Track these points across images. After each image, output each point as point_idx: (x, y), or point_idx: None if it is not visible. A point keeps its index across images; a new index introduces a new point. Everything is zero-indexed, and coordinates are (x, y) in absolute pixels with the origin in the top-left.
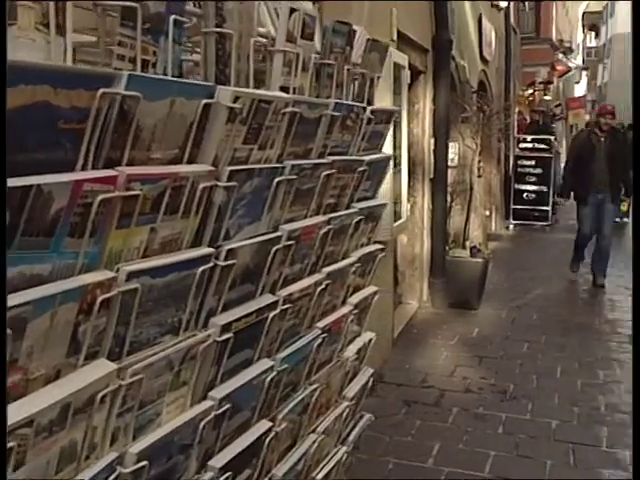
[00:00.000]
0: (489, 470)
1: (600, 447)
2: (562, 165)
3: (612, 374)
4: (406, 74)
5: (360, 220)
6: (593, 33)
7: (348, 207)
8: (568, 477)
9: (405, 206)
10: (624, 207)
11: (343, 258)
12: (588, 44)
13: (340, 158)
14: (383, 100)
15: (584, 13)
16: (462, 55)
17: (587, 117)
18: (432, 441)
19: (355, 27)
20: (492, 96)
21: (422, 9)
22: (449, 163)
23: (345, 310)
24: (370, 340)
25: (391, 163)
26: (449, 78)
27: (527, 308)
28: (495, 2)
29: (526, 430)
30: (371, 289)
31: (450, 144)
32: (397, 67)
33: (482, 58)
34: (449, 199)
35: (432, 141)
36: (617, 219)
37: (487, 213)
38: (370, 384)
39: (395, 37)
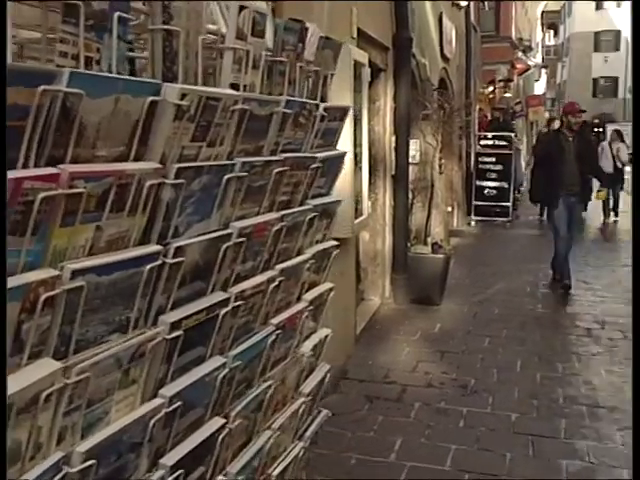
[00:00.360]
0: (450, 463)
1: (559, 438)
2: (522, 161)
3: (571, 367)
4: (366, 72)
5: (314, 217)
6: (552, 32)
7: (302, 204)
8: (527, 468)
9: (366, 203)
10: (602, 195)
11: (297, 255)
12: (547, 43)
13: (292, 155)
14: (343, 98)
15: (543, 12)
16: (423, 53)
17: (547, 114)
18: (394, 436)
19: (308, 25)
20: (453, 93)
21: (383, 7)
22: (410, 160)
23: (300, 306)
24: (326, 336)
25: (346, 160)
26: (410, 76)
27: (488, 303)
28: (455, 1)
29: (487, 423)
30: (326, 285)
31: (411, 141)
32: (357, 65)
33: (443, 56)
34: (411, 196)
35: (393, 138)
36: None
37: (449, 209)
38: (327, 380)
39: (355, 35)
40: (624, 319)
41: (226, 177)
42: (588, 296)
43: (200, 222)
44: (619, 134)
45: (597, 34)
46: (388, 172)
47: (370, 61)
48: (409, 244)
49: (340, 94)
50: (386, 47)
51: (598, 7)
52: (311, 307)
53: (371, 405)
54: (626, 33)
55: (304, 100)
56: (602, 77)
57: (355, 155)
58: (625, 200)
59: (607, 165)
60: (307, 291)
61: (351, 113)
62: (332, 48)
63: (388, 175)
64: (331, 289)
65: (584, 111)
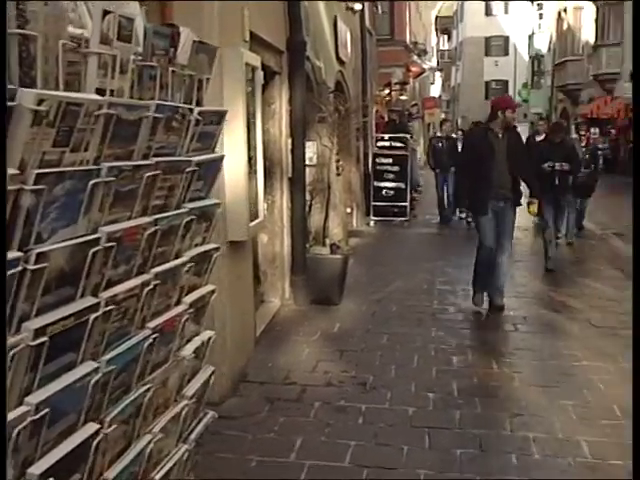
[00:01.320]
0: (349, 460)
1: (453, 429)
2: (418, 162)
3: (465, 360)
4: (259, 75)
5: (192, 220)
6: (446, 36)
7: (178, 207)
8: (423, 460)
9: (262, 206)
10: (533, 209)
11: (176, 258)
12: (441, 47)
13: (165, 159)
14: (235, 101)
15: (437, 17)
16: (318, 56)
17: (442, 116)
18: (295, 436)
19: (181, 29)
20: (349, 96)
21: (276, 11)
22: (308, 162)
23: (179, 309)
24: (209, 338)
25: (240, 163)
26: (305, 79)
27: (387, 301)
28: (350, 5)
29: (385, 419)
30: (208, 288)
31: (308, 143)
32: (250, 68)
33: (338, 59)
34: (309, 198)
35: (289, 141)
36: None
37: (348, 210)
38: (212, 382)
39: (247, 38)
40: (515, 311)
41: (92, 182)
42: None
43: (66, 227)
44: None
45: (487, 39)
46: (285, 174)
47: (264, 64)
48: (308, 245)
49: (232, 97)
50: (280, 50)
51: (488, 13)
52: (192, 310)
53: (271, 406)
54: (514, 39)
55: (176, 104)
56: (493, 80)
57: (250, 158)
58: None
59: None
60: (188, 294)
61: (243, 116)
62: (207, 52)
63: (285, 177)
64: (213, 291)
65: (520, 105)
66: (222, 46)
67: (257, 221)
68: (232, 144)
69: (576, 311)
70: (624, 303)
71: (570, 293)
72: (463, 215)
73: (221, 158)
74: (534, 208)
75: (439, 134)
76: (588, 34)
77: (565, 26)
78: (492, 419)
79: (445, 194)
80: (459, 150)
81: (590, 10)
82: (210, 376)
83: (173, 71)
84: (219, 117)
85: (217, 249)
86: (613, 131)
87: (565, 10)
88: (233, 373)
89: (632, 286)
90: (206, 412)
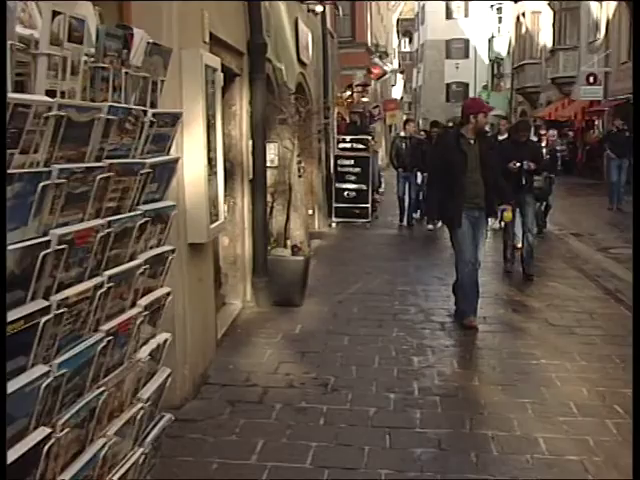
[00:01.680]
0: (310, 461)
1: (414, 429)
2: (380, 163)
3: (425, 360)
4: (219, 77)
5: (146, 222)
6: (407, 39)
7: (132, 210)
8: (384, 459)
9: (222, 208)
10: (508, 215)
11: (130, 260)
12: (403, 49)
13: (118, 161)
14: (195, 103)
15: (398, 20)
16: (279, 58)
17: (404, 117)
18: (256, 438)
19: (135, 30)
20: (311, 98)
21: (236, 12)
22: (269, 164)
23: (133, 312)
24: (166, 340)
25: (199, 165)
26: (265, 80)
27: (348, 302)
28: (311, 7)
29: (346, 419)
30: (164, 290)
31: (269, 145)
32: (210, 70)
33: (300, 61)
34: (270, 199)
35: (250, 143)
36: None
37: (310, 212)
38: (168, 384)
39: (207, 39)
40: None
41: (42, 184)
42: (442, 291)
43: (15, 230)
44: None
45: (448, 42)
46: (246, 176)
47: (224, 66)
48: (269, 247)
49: (192, 99)
50: (241, 52)
51: (448, 16)
52: (147, 312)
53: (233, 409)
54: (474, 42)
55: (129, 106)
56: (454, 82)
57: (210, 160)
58: None
59: None
60: (143, 296)
61: (203, 118)
62: (161, 54)
63: (246, 179)
64: (168, 293)
65: (492, 108)
66: (181, 48)
67: (218, 223)
68: (192, 146)
69: (535, 311)
70: (581, 302)
71: (529, 293)
72: (430, 227)
73: (176, 160)
74: (509, 214)
75: (403, 134)
76: (546, 38)
77: (524, 30)
78: (452, 418)
79: (407, 195)
80: (422, 150)
81: (548, 15)
82: (167, 378)
83: (126, 73)
84: (174, 119)
85: (173, 251)
86: (571, 133)
87: (524, 14)
88: (194, 376)
89: (632, 286)
90: (162, 415)
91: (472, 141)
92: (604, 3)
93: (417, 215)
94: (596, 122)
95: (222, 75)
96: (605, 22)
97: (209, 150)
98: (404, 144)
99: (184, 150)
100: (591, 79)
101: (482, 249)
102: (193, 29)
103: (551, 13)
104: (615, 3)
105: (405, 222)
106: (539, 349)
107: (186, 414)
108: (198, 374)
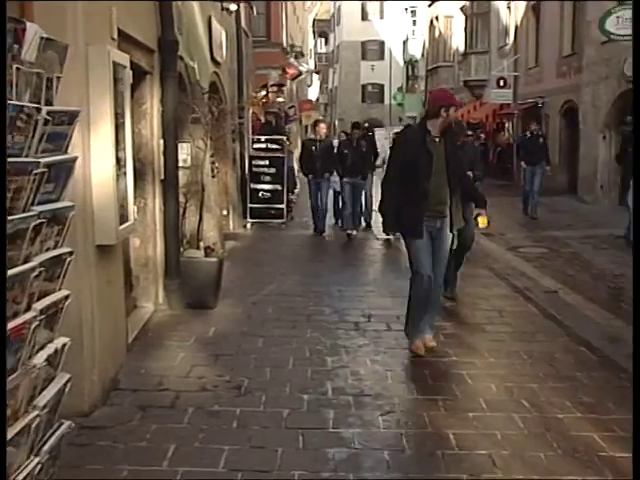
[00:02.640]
0: (223, 465)
1: (327, 429)
2: (295, 164)
3: (339, 360)
4: (128, 74)
5: (41, 223)
6: (323, 39)
7: (25, 210)
8: (297, 460)
9: (132, 208)
10: (483, 221)
11: (24, 263)
12: (319, 50)
13: (10, 160)
14: (102, 101)
15: (314, 20)
16: (192, 56)
17: (321, 117)
18: (168, 443)
19: (28, 25)
20: (225, 97)
21: (147, 9)
22: (181, 164)
23: (28, 316)
24: (64, 345)
25: (105, 164)
26: (177, 79)
27: (263, 304)
28: (225, 5)
29: (259, 422)
30: (62, 293)
31: (181, 145)
32: (118, 67)
33: (213, 60)
34: (183, 200)
35: (162, 142)
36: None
37: (224, 213)
38: (67, 390)
39: (115, 36)
40: (388, 311)
41: None
42: (357, 291)
43: None
44: None
45: (364, 43)
46: (157, 177)
47: (134, 63)
48: (182, 249)
49: (99, 97)
50: (151, 49)
51: (364, 18)
52: (42, 316)
53: (144, 414)
54: (389, 44)
55: (21, 103)
56: (370, 84)
57: (118, 160)
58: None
59: None
60: (39, 300)
61: (110, 117)
62: (57, 50)
63: (157, 180)
64: (67, 296)
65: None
66: (88, 44)
67: (127, 224)
68: (99, 145)
69: (446, 309)
70: (491, 300)
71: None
72: (350, 232)
73: (74, 159)
74: (484, 220)
75: (312, 136)
76: (459, 41)
77: (437, 33)
78: (365, 418)
79: (320, 204)
80: (335, 153)
81: (460, 19)
82: (65, 384)
83: (18, 68)
84: (71, 117)
85: (71, 253)
86: (482, 135)
87: (437, 18)
88: (103, 381)
89: (632, 286)
90: (62, 422)
91: (437, 139)
92: (513, 9)
93: (340, 224)
94: (506, 124)
95: (131, 72)
96: (514, 28)
97: (118, 149)
98: (314, 147)
99: (91, 149)
100: (501, 83)
101: (442, 264)
102: (100, 25)
103: (463, 17)
104: (523, 10)
105: (318, 232)
106: (451, 347)
107: (95, 421)
108: (108, 379)
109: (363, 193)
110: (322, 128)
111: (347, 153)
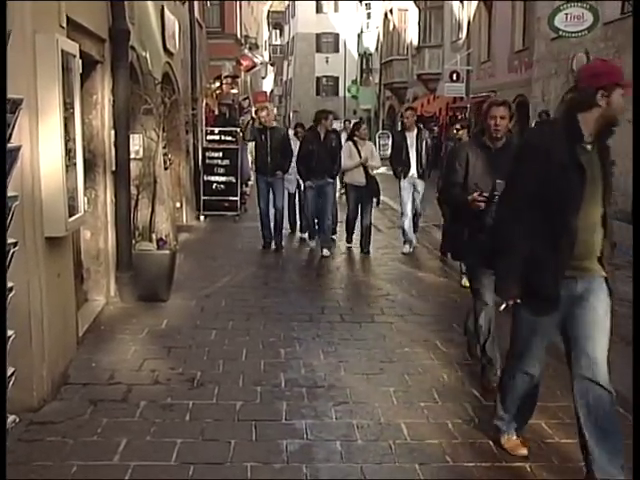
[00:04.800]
0: (175, 458)
1: (280, 421)
2: (249, 156)
3: (293, 352)
4: (77, 63)
5: None
6: (278, 31)
7: None
8: (250, 452)
9: (82, 199)
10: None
11: None
12: (274, 41)
13: None
14: (50, 90)
15: (269, 12)
16: (144, 46)
17: (275, 110)
18: (119, 437)
19: None
20: (178, 88)
21: None
22: (133, 155)
23: None
24: (9, 338)
25: (55, 155)
26: (129, 69)
27: (216, 296)
28: None
29: (212, 414)
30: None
31: (133, 136)
32: (67, 55)
33: (166, 50)
34: (135, 192)
35: (113, 133)
36: None
37: (177, 205)
38: (11, 383)
39: (64, 24)
40: (343, 302)
41: None
42: (313, 284)
43: None
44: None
45: (318, 36)
46: (108, 168)
47: (84, 52)
48: (134, 241)
49: (47, 86)
50: (102, 38)
51: (318, 10)
52: None
53: (95, 408)
54: (344, 36)
55: None
56: (324, 76)
57: (68, 150)
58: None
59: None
60: None
61: (59, 106)
62: None
63: (109, 171)
64: (11, 288)
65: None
66: (36, 32)
67: (77, 216)
68: (47, 135)
69: (399, 301)
70: (442, 291)
71: (392, 281)
72: (326, 253)
73: (17, 148)
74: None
75: (257, 125)
76: (412, 35)
77: (391, 26)
78: (318, 409)
79: (271, 208)
80: (298, 150)
81: (414, 12)
82: (10, 378)
83: None
84: (13, 105)
85: (15, 244)
86: (436, 128)
87: (391, 11)
88: (53, 376)
89: (632, 285)
90: (6, 416)
91: (589, 146)
92: (466, 4)
93: (305, 235)
94: (459, 117)
95: (81, 62)
96: (467, 22)
97: (67, 140)
98: (263, 136)
99: (39, 140)
100: (454, 77)
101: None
102: (48, 13)
103: (417, 11)
104: (475, 5)
105: (273, 245)
106: (403, 338)
107: (44, 416)
108: (58, 374)
109: (329, 200)
110: (267, 114)
111: (313, 149)
